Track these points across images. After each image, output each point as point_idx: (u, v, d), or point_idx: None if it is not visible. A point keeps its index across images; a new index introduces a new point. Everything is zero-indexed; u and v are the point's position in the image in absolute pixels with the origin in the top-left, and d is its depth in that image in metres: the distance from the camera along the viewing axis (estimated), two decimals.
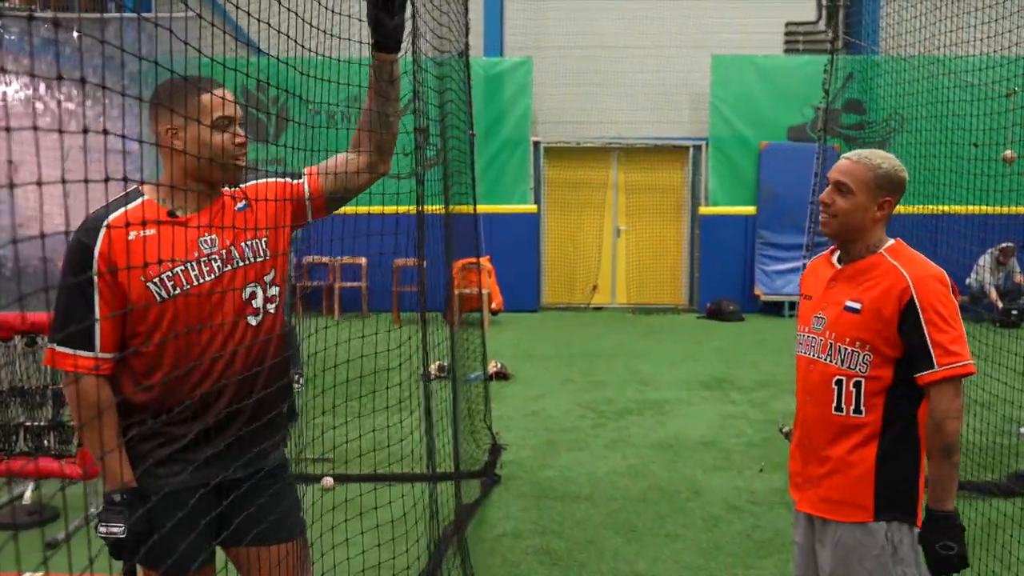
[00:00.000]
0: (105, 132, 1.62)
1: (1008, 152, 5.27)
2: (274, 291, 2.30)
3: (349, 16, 2.60)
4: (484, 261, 11.27)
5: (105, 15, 4.35)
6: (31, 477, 4.53)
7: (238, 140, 2.19)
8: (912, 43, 6.78)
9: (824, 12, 12.70)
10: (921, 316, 2.18)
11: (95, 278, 2.06)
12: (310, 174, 2.40)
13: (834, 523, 2.35)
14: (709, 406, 7.17)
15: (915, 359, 2.20)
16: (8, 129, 1.43)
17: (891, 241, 2.38)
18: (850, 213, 2.32)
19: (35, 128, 1.44)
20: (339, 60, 2.70)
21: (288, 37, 2.26)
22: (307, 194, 2.38)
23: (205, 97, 2.15)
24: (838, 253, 2.46)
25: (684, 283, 13.22)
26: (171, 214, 2.14)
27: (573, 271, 13.15)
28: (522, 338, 10.53)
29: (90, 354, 2.09)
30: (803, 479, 2.45)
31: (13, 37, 4.26)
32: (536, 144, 12.68)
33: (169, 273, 2.11)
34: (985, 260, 10.95)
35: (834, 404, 2.32)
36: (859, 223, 2.33)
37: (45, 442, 4.49)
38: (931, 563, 2.24)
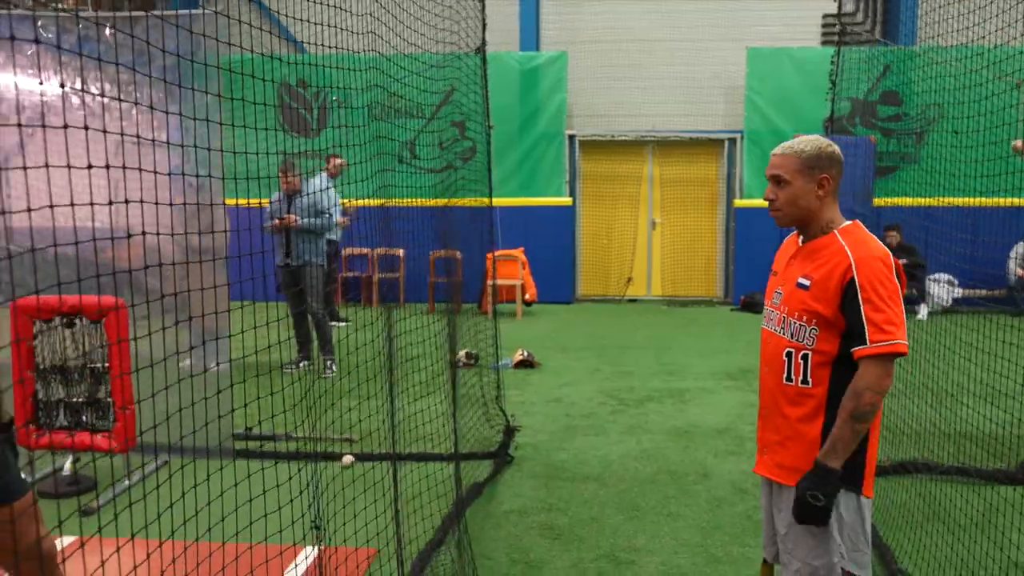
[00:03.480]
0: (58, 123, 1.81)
1: (1017, 142, 5.28)
2: None
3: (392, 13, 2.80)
4: (518, 253, 11.47)
5: (134, 13, 4.61)
6: (70, 449, 4.82)
7: None
8: (950, 32, 6.72)
9: (862, 3, 12.61)
10: (859, 295, 2.30)
11: None
12: None
13: (787, 488, 2.48)
14: (730, 395, 7.26)
15: (852, 334, 2.32)
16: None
17: (847, 223, 2.50)
18: (792, 201, 2.46)
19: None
20: (384, 56, 2.88)
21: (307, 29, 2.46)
22: None
23: None
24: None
25: (719, 276, 13.26)
26: None
27: (608, 263, 13.26)
28: (555, 329, 10.68)
29: None
30: (763, 444, 2.60)
31: (51, 35, 4.55)
32: (571, 138, 12.81)
33: None
34: (1017, 249, 10.82)
35: (784, 375, 2.46)
36: (806, 206, 2.46)
37: (83, 417, 4.79)
38: (796, 507, 2.37)
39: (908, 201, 10.17)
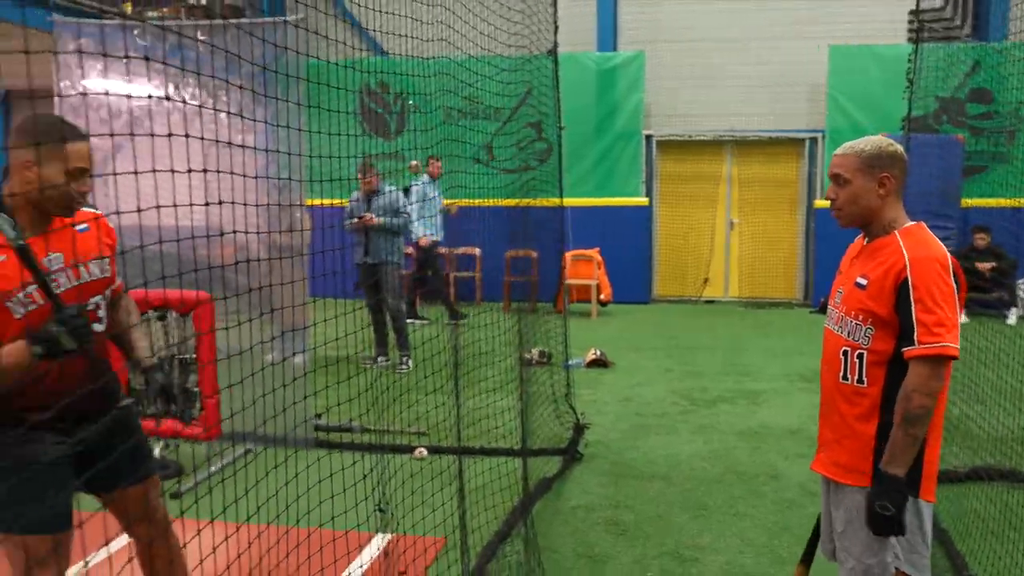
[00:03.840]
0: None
1: None
2: (105, 301, 2.67)
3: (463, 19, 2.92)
4: (594, 253, 11.51)
5: (227, 23, 4.86)
6: (160, 436, 5.09)
7: (82, 190, 2.45)
8: None
9: None
10: (912, 295, 2.31)
11: None
12: (117, 282, 2.76)
13: (844, 487, 2.51)
14: (804, 396, 7.19)
15: (904, 335, 2.33)
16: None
17: (910, 223, 2.51)
18: (853, 200, 2.48)
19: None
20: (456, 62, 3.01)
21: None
22: (112, 285, 2.72)
23: (70, 147, 2.38)
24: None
25: (799, 277, 13.05)
26: (18, 239, 2.34)
27: (684, 264, 13.18)
28: (629, 329, 10.70)
29: None
30: (821, 442, 2.64)
31: (146, 43, 4.84)
32: (648, 138, 12.79)
33: (22, 294, 2.37)
34: None
35: (840, 373, 2.50)
36: (866, 205, 2.48)
37: (172, 406, 5.05)
38: (868, 519, 2.38)
39: (996, 202, 9.89)
